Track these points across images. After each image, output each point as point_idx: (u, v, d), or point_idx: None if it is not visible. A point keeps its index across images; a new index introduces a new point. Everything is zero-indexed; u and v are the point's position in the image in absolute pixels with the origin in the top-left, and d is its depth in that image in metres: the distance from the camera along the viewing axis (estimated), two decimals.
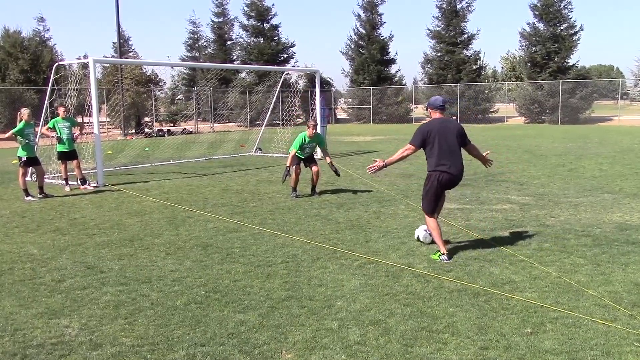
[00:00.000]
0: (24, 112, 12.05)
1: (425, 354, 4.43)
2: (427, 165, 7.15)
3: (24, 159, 11.96)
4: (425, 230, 7.57)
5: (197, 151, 22.54)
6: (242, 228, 8.82)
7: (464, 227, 8.63)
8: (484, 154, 7.71)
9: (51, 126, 12.92)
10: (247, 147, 23.20)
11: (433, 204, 7.16)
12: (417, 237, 7.74)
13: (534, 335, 4.74)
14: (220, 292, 5.90)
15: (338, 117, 54.06)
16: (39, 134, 13.65)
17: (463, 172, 7.28)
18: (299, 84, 50.95)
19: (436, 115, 7.24)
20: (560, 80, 41.71)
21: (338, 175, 11.57)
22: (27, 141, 11.93)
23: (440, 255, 6.96)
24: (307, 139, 11.33)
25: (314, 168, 11.48)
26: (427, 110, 7.56)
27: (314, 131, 11.40)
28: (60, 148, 13.02)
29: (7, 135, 12.32)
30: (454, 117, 45.32)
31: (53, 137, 13.06)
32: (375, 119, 48.95)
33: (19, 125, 11.86)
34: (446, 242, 7.47)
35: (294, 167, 11.38)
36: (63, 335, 4.87)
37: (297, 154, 11.37)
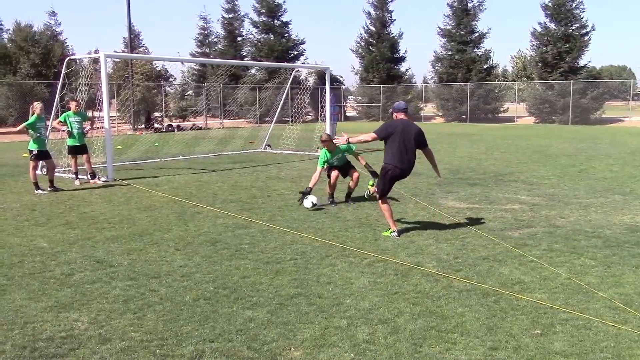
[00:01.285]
0: (37, 106, 12.12)
1: (434, 354, 4.42)
2: (384, 157, 8.12)
3: (35, 152, 12.02)
4: (312, 202, 9.64)
5: (206, 147, 22.59)
6: (251, 224, 8.83)
7: (474, 226, 8.60)
8: (438, 175, 8.82)
9: (62, 120, 13.00)
10: (256, 144, 23.22)
11: (385, 191, 8.20)
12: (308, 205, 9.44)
13: (543, 337, 4.72)
14: (229, 288, 5.91)
15: (347, 114, 54.02)
16: (49, 128, 13.70)
17: (412, 168, 8.26)
18: (308, 81, 50.99)
19: (400, 116, 8.24)
20: (571, 81, 41.47)
21: (375, 176, 9.75)
22: (38, 135, 11.99)
23: (391, 232, 8.08)
24: (328, 155, 10.39)
25: (354, 174, 10.58)
26: (392, 114, 8.45)
27: (331, 143, 10.29)
28: (70, 142, 13.09)
29: (18, 128, 12.40)
30: (464, 116, 45.26)
31: (64, 130, 13.13)
32: (385, 117, 48.80)
33: (31, 119, 11.93)
34: (398, 220, 8.06)
35: (329, 168, 10.53)
36: (72, 329, 4.89)
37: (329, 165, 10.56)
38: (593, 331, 4.82)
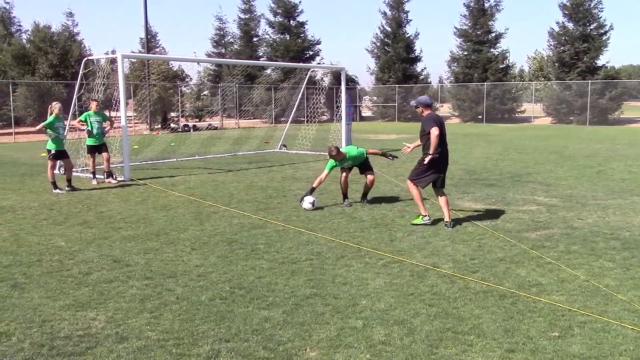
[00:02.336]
0: (55, 106, 12.24)
1: (450, 356, 4.40)
2: (427, 148, 8.49)
3: (53, 152, 12.13)
4: (310, 203, 9.80)
5: (222, 147, 22.66)
6: (267, 224, 8.84)
7: (490, 227, 8.55)
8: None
9: (83, 119, 13.14)
10: (271, 144, 23.26)
11: (423, 179, 8.68)
12: (307, 206, 9.77)
13: (561, 339, 4.68)
14: (245, 288, 5.92)
15: (363, 115, 53.95)
16: (67, 127, 13.82)
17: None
18: (324, 81, 50.98)
19: (428, 111, 8.75)
20: (589, 81, 41.08)
21: (395, 157, 10.78)
22: (56, 134, 12.10)
23: (422, 217, 8.62)
24: (338, 163, 10.26)
25: (370, 176, 10.42)
26: (417, 107, 8.85)
27: (341, 154, 10.19)
28: (90, 141, 13.21)
29: (37, 128, 12.52)
30: (480, 117, 45.02)
31: (83, 130, 13.27)
32: (400, 117, 48.75)
33: (50, 119, 12.04)
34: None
35: (344, 174, 10.44)
36: (90, 327, 4.93)
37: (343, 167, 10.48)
38: (612, 334, 4.77)
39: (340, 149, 10.37)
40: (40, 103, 33.18)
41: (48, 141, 12.22)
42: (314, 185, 10.24)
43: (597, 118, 40.91)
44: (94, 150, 13.27)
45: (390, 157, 10.77)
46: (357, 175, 10.89)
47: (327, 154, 10.38)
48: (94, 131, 13.10)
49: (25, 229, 8.68)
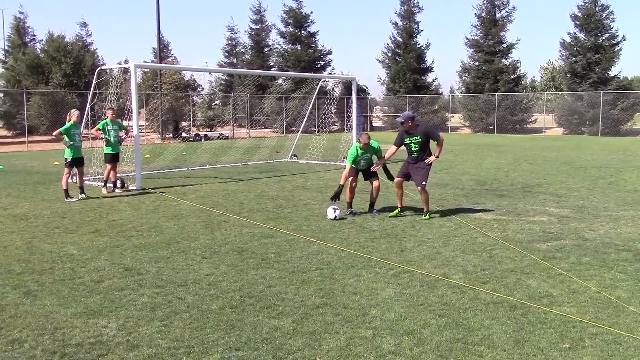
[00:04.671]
0: (74, 113, 12.37)
1: None
2: (426, 153, 10.04)
3: (69, 159, 12.22)
4: (335, 214, 9.95)
5: (233, 156, 22.75)
6: (277, 234, 8.86)
7: (501, 238, 8.52)
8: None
9: (101, 128, 13.23)
10: (282, 154, 23.32)
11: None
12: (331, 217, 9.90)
13: (572, 351, 4.66)
14: (255, 297, 5.94)
15: (374, 125, 53.97)
16: (81, 135, 13.93)
17: None
18: (335, 91, 51.09)
19: (416, 122, 10.10)
20: (601, 91, 40.91)
21: (391, 178, 10.54)
22: (72, 142, 12.19)
23: (430, 214, 10.07)
24: (359, 151, 10.34)
25: (375, 182, 10.48)
26: (404, 123, 9.98)
27: (368, 143, 10.32)
28: (108, 150, 13.28)
29: (54, 133, 12.61)
30: (491, 127, 44.93)
31: (102, 138, 13.39)
32: None
33: (67, 125, 12.16)
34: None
35: (350, 178, 10.53)
36: (101, 335, 4.96)
37: (352, 167, 10.53)
38: (623, 346, 4.74)
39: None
40: (53, 112, 33.48)
41: (65, 150, 12.29)
42: (342, 182, 10.33)
43: (609, 129, 40.70)
44: (114, 159, 13.35)
45: (389, 176, 10.64)
46: (362, 184, 10.90)
47: (337, 163, 10.49)
48: (111, 139, 13.21)
49: (38, 236, 8.75)
